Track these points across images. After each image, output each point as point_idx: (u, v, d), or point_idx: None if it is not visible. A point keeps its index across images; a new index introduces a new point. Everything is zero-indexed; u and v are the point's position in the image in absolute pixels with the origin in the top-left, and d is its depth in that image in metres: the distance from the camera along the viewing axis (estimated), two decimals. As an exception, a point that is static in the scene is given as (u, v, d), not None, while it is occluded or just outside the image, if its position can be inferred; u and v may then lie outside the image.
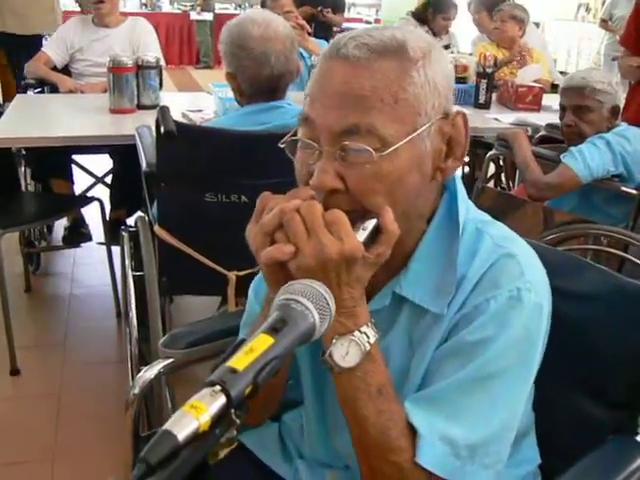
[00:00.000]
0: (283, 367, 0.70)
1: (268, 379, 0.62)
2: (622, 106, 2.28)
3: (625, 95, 2.67)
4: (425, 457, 0.80)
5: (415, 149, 0.80)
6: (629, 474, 0.94)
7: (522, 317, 0.82)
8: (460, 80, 3.32)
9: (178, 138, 1.73)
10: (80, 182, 3.33)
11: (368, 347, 0.80)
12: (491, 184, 3.73)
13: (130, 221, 2.72)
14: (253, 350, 0.62)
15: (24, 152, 2.96)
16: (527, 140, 2.38)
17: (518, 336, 0.82)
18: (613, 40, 5.61)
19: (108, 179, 3.33)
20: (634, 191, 2.17)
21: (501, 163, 3.80)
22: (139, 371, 1.23)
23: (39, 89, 3.40)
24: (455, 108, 0.85)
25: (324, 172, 0.79)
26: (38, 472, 1.95)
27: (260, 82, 1.85)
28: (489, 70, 3.28)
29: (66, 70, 3.49)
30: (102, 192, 3.16)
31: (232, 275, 1.87)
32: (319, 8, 5.05)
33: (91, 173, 3.33)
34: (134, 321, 1.90)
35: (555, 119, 2.46)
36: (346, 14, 7.04)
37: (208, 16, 10.43)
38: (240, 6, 10.71)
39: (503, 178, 3.87)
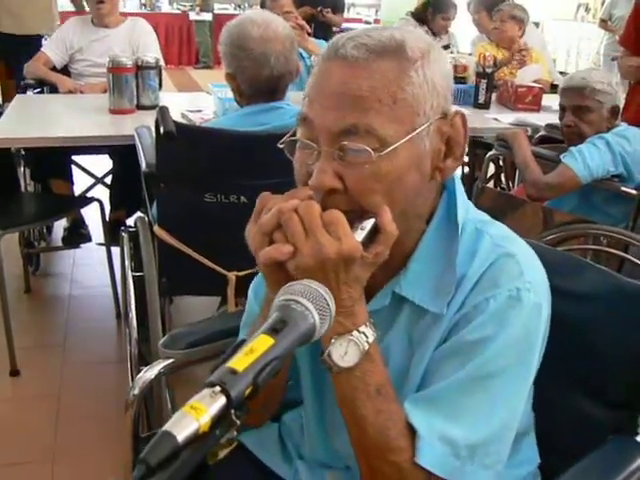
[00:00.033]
0: (283, 368, 0.70)
1: (268, 380, 0.62)
2: (622, 106, 2.28)
3: (625, 95, 2.67)
4: (425, 457, 0.80)
5: (414, 149, 0.80)
6: (629, 474, 0.94)
7: (521, 317, 0.82)
8: (460, 80, 3.32)
9: (178, 138, 1.73)
10: (80, 182, 3.32)
11: (367, 347, 0.80)
12: (491, 184, 3.73)
13: (130, 222, 2.71)
14: (253, 351, 0.62)
15: (23, 152, 2.95)
16: (527, 140, 2.38)
17: (517, 335, 0.82)
18: (613, 40, 5.61)
19: (108, 179, 3.32)
20: (634, 191, 2.17)
21: (501, 163, 3.80)
22: (139, 372, 1.23)
23: (38, 89, 3.39)
24: (454, 108, 0.85)
25: (323, 172, 0.79)
26: (38, 473, 1.95)
27: (260, 83, 1.85)
28: (489, 70, 3.28)
29: (65, 70, 3.48)
30: (102, 193, 3.16)
31: (232, 275, 1.87)
32: (319, 8, 5.05)
33: (91, 174, 3.33)
34: (134, 322, 1.90)
35: (555, 119, 2.46)
36: (346, 14, 7.06)
37: (207, 16, 10.44)
38: (239, 6, 10.71)
39: (503, 178, 3.87)
